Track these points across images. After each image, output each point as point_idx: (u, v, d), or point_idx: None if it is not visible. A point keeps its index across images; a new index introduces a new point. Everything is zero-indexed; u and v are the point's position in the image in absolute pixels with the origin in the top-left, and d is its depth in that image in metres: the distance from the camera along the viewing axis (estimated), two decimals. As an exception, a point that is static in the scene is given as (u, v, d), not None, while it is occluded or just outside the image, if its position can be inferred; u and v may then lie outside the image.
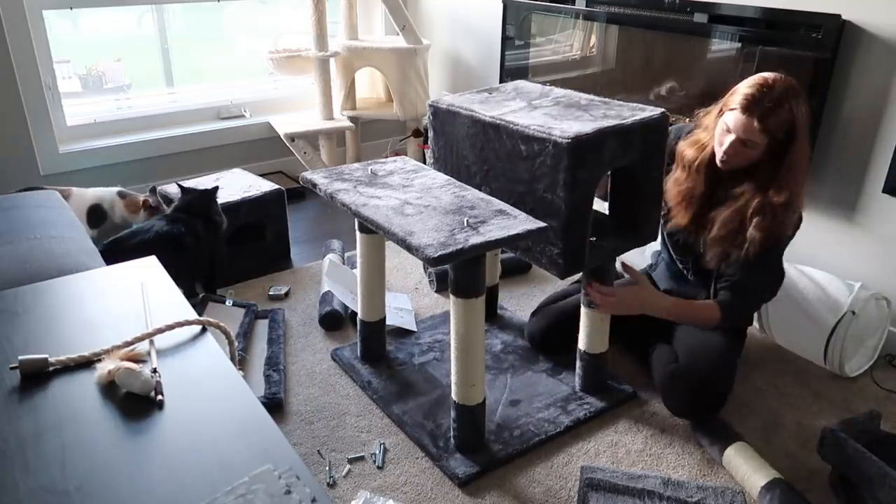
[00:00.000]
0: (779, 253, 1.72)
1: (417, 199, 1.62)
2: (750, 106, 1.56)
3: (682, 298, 1.79)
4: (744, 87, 1.60)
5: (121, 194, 2.32)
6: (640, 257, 2.34)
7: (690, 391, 1.70)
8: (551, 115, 1.61)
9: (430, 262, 1.36)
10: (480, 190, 1.72)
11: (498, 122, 1.61)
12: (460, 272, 1.48)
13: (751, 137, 1.58)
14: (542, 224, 1.49)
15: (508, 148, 1.60)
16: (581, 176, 1.48)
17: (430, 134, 1.87)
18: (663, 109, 1.61)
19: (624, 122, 1.53)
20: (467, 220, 1.49)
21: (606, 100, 1.73)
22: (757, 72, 1.65)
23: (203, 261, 2.24)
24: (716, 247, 1.70)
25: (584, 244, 1.58)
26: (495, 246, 1.44)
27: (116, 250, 2.04)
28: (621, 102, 1.70)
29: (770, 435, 1.74)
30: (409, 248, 1.41)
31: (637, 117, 1.56)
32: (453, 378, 1.59)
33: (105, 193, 2.33)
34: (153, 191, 2.35)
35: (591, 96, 1.77)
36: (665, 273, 1.96)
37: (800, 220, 1.71)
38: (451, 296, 1.51)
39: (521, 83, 1.96)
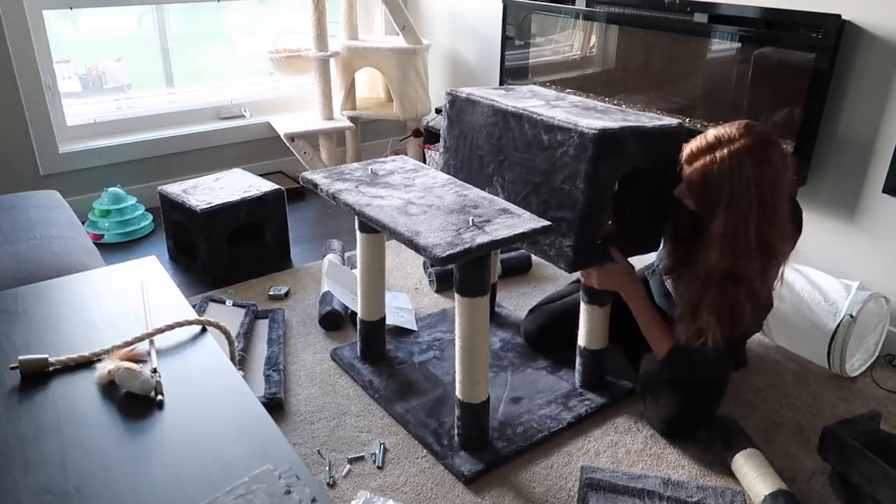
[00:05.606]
0: (731, 343, 1.59)
1: (420, 198, 1.62)
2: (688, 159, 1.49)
3: (656, 313, 1.71)
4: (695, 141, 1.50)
5: None
6: (638, 260, 2.33)
7: (666, 407, 1.68)
8: (572, 112, 1.63)
9: (438, 261, 1.35)
10: (492, 181, 1.73)
11: (521, 111, 1.63)
12: (466, 271, 1.48)
13: (681, 196, 1.51)
14: (546, 222, 1.50)
15: (529, 137, 1.61)
16: (602, 170, 1.50)
17: (444, 123, 1.87)
18: (679, 121, 1.62)
19: (645, 125, 1.55)
20: (472, 220, 1.49)
21: (622, 108, 1.74)
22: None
23: None
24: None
25: (595, 238, 1.59)
26: (502, 245, 1.44)
27: None
28: (637, 112, 1.70)
29: (770, 435, 1.74)
30: (417, 247, 1.41)
31: (656, 123, 1.57)
32: (458, 376, 1.59)
33: None
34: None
35: (607, 104, 1.78)
36: (657, 285, 1.89)
37: (768, 306, 1.56)
38: (456, 295, 1.51)
39: (535, 87, 1.98)
